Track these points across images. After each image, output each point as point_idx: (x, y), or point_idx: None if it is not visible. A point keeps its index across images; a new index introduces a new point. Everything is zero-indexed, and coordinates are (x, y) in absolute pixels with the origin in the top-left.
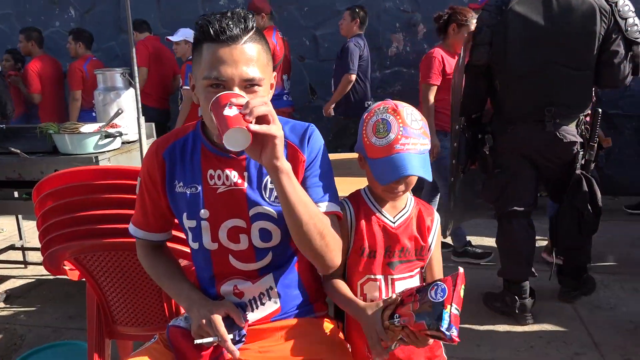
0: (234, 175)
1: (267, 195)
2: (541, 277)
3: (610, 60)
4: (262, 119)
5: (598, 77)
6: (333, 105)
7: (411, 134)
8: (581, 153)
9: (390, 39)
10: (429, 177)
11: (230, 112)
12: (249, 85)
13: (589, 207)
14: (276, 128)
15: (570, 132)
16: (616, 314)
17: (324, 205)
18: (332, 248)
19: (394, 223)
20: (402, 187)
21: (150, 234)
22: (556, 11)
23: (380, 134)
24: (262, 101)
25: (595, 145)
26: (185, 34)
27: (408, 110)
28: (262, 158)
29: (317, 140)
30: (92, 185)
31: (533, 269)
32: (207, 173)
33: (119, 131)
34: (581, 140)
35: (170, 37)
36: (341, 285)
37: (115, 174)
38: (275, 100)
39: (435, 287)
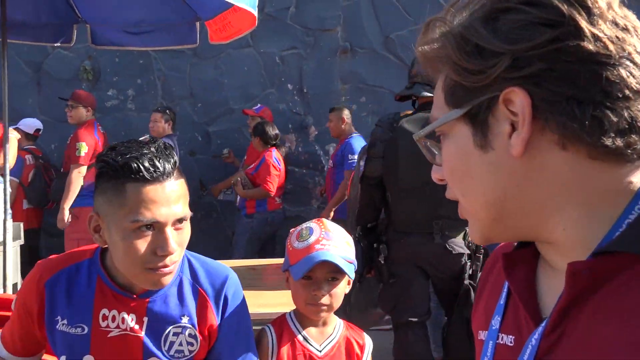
0: (131, 318)
1: (166, 348)
2: None
3: None
4: None
5: None
6: None
7: (333, 238)
8: (469, 264)
9: (283, 139)
10: (349, 271)
11: None
12: (178, 223)
13: None
14: None
15: (458, 244)
16: None
17: None
18: None
19: (320, 352)
20: (325, 297)
21: (15, 358)
22: None
23: (302, 238)
24: None
25: (481, 256)
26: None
27: (333, 225)
28: None
29: (236, 294)
30: None
31: None
32: (99, 313)
33: None
34: (468, 252)
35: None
36: None
37: None
38: None
39: None
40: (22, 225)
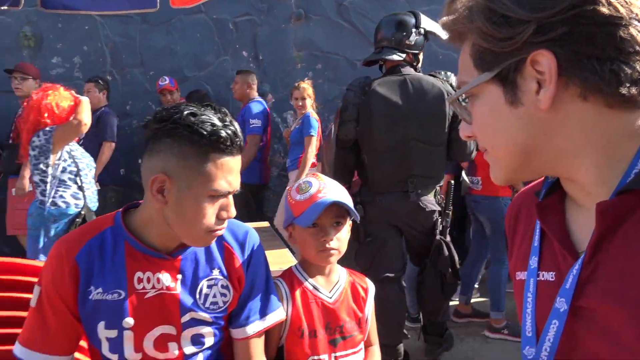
0: (165, 278)
1: (202, 302)
2: (410, 337)
3: (458, 137)
4: None
5: (449, 151)
6: None
7: (332, 186)
8: (439, 220)
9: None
10: (355, 212)
11: None
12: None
13: (450, 270)
14: None
15: (430, 201)
16: None
17: (275, 315)
18: None
19: (330, 298)
20: (333, 242)
21: (52, 358)
22: (412, 93)
23: (302, 190)
24: None
25: (450, 212)
26: None
27: (328, 177)
28: None
29: (257, 246)
30: None
31: (405, 331)
32: (134, 276)
33: None
34: (439, 209)
35: None
36: None
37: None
38: None
39: None
40: None
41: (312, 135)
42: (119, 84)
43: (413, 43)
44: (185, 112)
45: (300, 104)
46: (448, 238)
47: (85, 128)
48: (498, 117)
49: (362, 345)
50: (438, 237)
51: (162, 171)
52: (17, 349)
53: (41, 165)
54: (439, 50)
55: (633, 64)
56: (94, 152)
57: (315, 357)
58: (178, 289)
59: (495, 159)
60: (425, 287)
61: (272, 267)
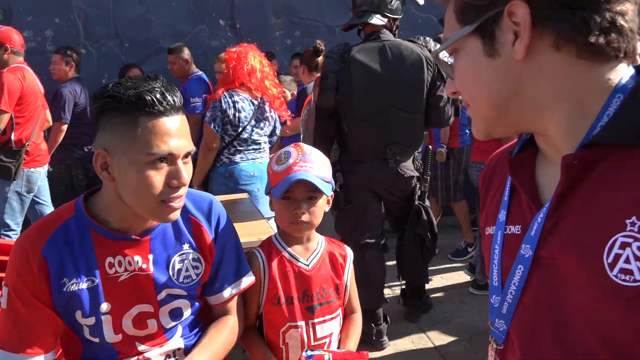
0: (137, 259)
1: (176, 277)
2: (389, 301)
3: (436, 104)
4: None
5: (427, 118)
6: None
7: (310, 160)
8: (417, 185)
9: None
10: (326, 189)
11: None
12: (185, 157)
13: (429, 234)
14: None
15: (409, 167)
16: (453, 325)
17: (245, 280)
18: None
19: (307, 266)
20: (305, 215)
21: (32, 358)
22: (391, 60)
23: (281, 161)
24: None
25: (428, 178)
26: None
27: (310, 148)
28: None
29: (222, 214)
30: None
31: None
32: (104, 262)
33: None
34: (417, 174)
35: None
36: (255, 340)
37: None
38: None
39: None
40: None
41: None
42: (94, 56)
43: (394, 7)
44: (110, 85)
45: None
46: (427, 203)
47: None
48: (478, 69)
49: (339, 311)
50: (417, 202)
51: (102, 147)
52: None
53: None
54: (418, 14)
55: (603, 12)
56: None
57: (292, 324)
58: (151, 268)
59: (476, 112)
60: (405, 252)
61: (249, 238)
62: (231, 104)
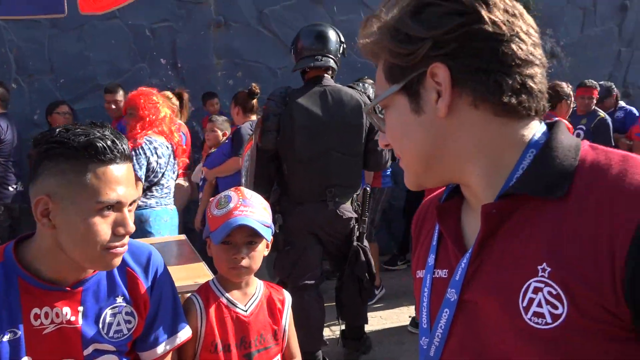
0: (65, 311)
1: (105, 331)
2: (329, 343)
3: (374, 148)
4: None
5: (366, 161)
6: None
7: (250, 205)
8: (356, 227)
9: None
10: (266, 234)
11: None
12: (130, 205)
13: (367, 275)
14: None
15: (348, 209)
16: None
17: (184, 333)
18: None
19: (245, 312)
20: (245, 260)
21: None
22: (332, 105)
23: (221, 205)
24: None
25: (366, 219)
26: None
27: (250, 192)
28: None
29: (160, 266)
30: None
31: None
32: (30, 313)
33: None
34: (356, 215)
35: None
36: None
37: None
38: None
39: None
40: None
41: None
42: (26, 91)
43: (341, 53)
44: (57, 130)
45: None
46: (365, 244)
47: None
48: (406, 125)
49: (278, 357)
50: (355, 243)
51: (44, 193)
52: None
53: None
54: (358, 59)
55: (513, 75)
56: None
57: None
58: (80, 321)
59: (406, 165)
60: (344, 292)
61: (187, 282)
62: (153, 150)
